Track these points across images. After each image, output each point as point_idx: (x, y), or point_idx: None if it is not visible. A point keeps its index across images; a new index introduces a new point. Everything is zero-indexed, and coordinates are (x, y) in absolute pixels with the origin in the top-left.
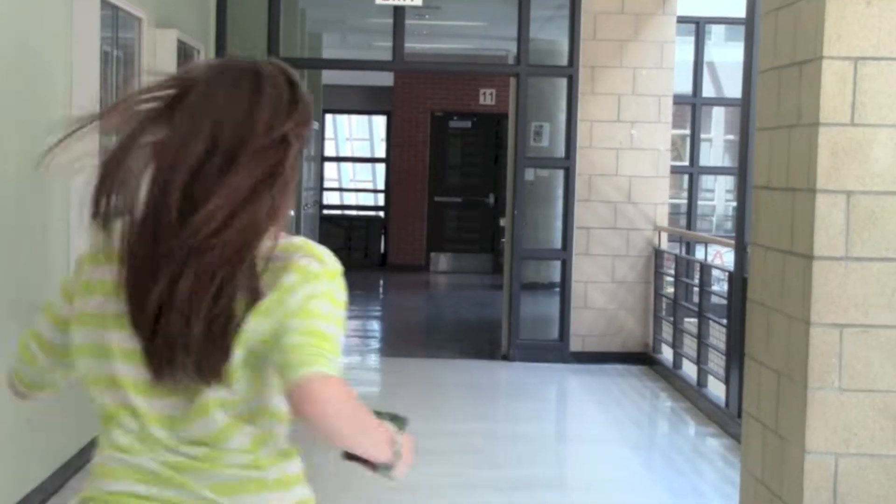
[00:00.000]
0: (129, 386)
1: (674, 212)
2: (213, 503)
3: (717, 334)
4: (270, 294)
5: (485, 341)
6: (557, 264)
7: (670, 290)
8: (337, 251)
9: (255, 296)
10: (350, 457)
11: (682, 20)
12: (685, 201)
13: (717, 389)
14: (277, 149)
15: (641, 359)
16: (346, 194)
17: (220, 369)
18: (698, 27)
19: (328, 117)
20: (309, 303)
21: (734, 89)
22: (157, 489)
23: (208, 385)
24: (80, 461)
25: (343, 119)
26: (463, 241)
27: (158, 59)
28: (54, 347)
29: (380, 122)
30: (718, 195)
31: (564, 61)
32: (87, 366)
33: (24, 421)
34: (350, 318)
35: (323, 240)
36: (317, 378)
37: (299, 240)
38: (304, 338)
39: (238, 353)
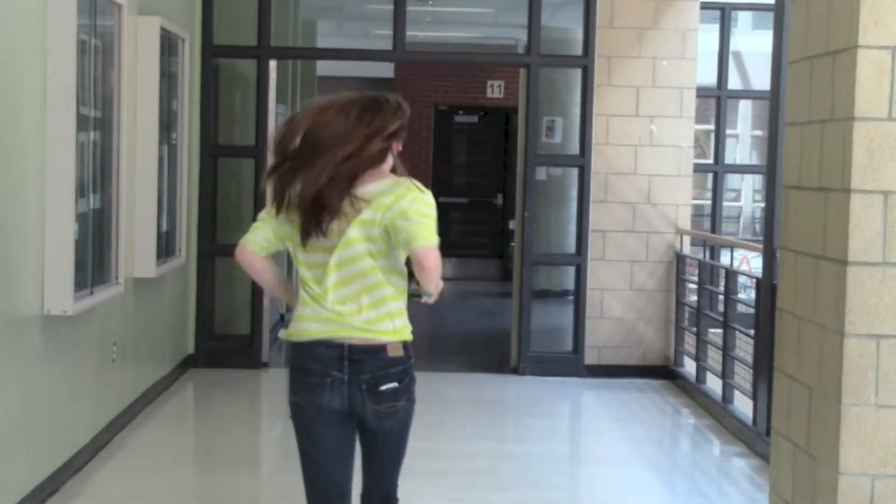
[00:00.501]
0: (303, 265)
1: (697, 213)
2: (362, 330)
3: (744, 346)
4: (387, 197)
5: (493, 354)
6: (571, 270)
7: (693, 298)
8: None
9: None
10: (412, 296)
11: (705, 6)
12: (709, 202)
13: (743, 406)
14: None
15: (662, 373)
16: None
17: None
18: (724, 14)
19: None
20: (417, 204)
21: (762, 81)
22: (325, 325)
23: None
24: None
25: None
26: (469, 245)
27: (140, 48)
28: (272, 241)
29: None
30: (745, 195)
31: (579, 51)
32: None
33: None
34: None
35: None
36: (430, 246)
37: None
38: (419, 220)
39: (372, 230)
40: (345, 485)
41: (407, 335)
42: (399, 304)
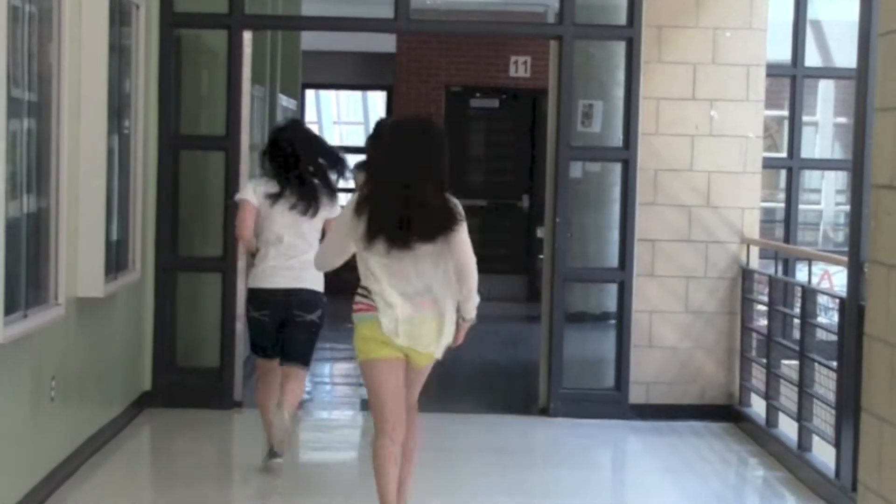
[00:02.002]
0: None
1: (767, 219)
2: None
3: (825, 381)
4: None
5: (517, 391)
6: (613, 289)
7: (762, 322)
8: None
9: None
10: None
11: None
12: (782, 205)
13: (824, 454)
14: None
15: (724, 414)
16: None
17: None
18: None
19: (309, 94)
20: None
21: (847, 57)
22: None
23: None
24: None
25: (329, 96)
26: (488, 258)
27: (85, 16)
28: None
29: (378, 100)
30: (826, 197)
31: (622, 20)
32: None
33: None
34: (338, 359)
35: None
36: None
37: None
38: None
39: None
40: None
41: None
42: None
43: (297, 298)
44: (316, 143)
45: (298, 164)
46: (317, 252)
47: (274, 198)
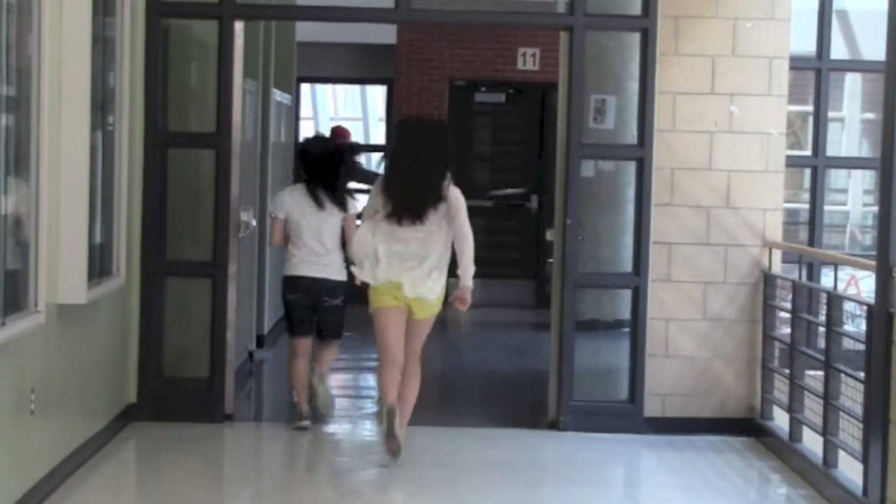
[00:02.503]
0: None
1: (790, 221)
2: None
3: (852, 393)
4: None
5: (525, 403)
6: (627, 295)
7: (785, 330)
8: None
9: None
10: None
11: None
12: (806, 206)
13: (851, 470)
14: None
15: (745, 427)
16: None
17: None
18: None
19: (304, 88)
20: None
21: (875, 49)
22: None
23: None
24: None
25: (325, 91)
26: (494, 262)
27: (67, 5)
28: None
29: (377, 94)
30: (853, 197)
31: (637, 9)
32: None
33: None
34: (335, 369)
35: None
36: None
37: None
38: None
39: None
40: None
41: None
42: None
43: (323, 286)
44: (339, 157)
45: (323, 174)
46: (354, 238)
47: (303, 202)
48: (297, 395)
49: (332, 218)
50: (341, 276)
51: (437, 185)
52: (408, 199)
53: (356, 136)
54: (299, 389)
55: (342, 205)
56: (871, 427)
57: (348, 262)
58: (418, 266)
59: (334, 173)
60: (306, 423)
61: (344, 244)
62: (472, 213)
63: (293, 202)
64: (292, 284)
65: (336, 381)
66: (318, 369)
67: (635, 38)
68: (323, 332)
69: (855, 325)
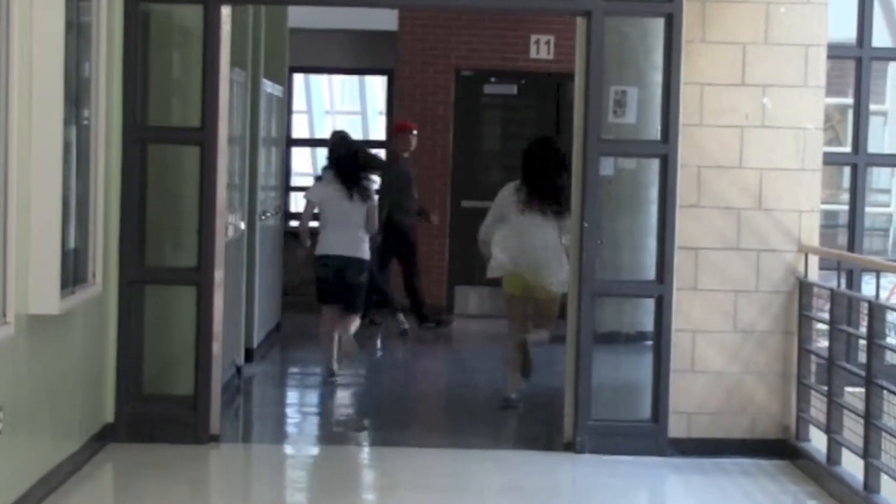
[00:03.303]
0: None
1: (829, 224)
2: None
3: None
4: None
5: (538, 423)
6: (650, 304)
7: (823, 343)
8: (311, 283)
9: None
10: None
11: None
12: (845, 207)
13: (893, 495)
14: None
15: (779, 450)
16: None
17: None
18: None
19: (297, 78)
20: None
21: None
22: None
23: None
24: None
25: (321, 81)
26: None
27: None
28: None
29: (377, 85)
30: None
31: None
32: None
33: None
34: (332, 386)
35: (290, 264)
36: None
37: None
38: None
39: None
40: None
41: None
42: None
43: (348, 263)
44: (362, 155)
45: (352, 169)
46: (481, 227)
47: (334, 191)
48: (327, 355)
49: (357, 206)
50: (365, 254)
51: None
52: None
53: (354, 133)
54: (329, 347)
55: (365, 196)
56: None
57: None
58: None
59: (356, 169)
60: (335, 377)
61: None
62: (480, 215)
63: (325, 192)
64: (323, 261)
65: (332, 399)
66: (342, 333)
67: (659, 25)
68: (346, 306)
69: None
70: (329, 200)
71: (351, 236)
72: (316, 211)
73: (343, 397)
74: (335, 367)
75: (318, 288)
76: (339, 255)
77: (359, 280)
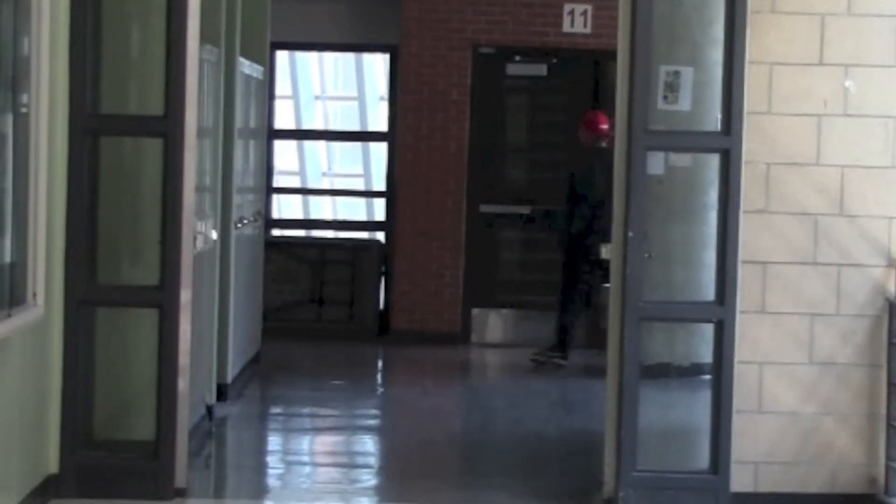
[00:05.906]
0: None
1: None
2: None
3: None
4: None
5: (574, 473)
6: (708, 331)
7: None
8: (298, 305)
9: None
10: None
11: None
12: None
13: None
14: None
15: None
16: (315, 200)
17: None
18: None
19: (281, 56)
20: None
21: None
22: None
23: None
24: None
25: (311, 60)
26: (532, 287)
27: None
28: None
29: (378, 65)
30: None
31: None
32: None
33: None
34: (321, 429)
35: (273, 282)
36: None
37: None
38: None
39: None
40: None
41: None
42: None
43: None
44: None
45: None
46: None
47: None
48: None
49: None
50: None
51: None
52: None
53: (350, 124)
54: None
55: None
56: None
57: None
58: None
59: None
60: None
61: None
62: (504, 222)
63: None
64: None
65: (320, 447)
66: None
67: None
68: None
69: None
70: None
71: None
72: None
73: (337, 443)
74: None
75: None
76: None
77: None
